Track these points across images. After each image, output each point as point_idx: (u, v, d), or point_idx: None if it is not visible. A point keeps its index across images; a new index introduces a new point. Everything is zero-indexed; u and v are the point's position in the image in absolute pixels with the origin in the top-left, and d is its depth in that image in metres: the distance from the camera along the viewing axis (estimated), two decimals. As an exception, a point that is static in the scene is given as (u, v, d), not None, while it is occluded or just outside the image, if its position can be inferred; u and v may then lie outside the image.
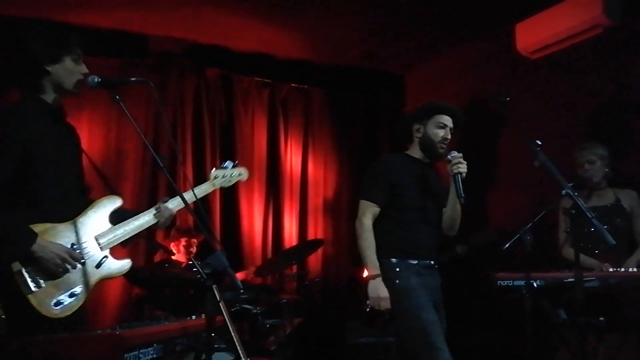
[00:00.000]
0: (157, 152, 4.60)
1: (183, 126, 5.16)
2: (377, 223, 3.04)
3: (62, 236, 2.31)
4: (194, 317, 2.68)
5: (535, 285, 2.94)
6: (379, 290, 2.92)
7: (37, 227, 2.25)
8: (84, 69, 2.47)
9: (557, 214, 3.56)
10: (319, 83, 5.88)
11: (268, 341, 4.09)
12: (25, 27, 3.75)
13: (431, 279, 3.05)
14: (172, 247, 4.50)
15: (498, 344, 4.35)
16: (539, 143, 2.68)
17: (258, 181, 5.44)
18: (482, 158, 4.52)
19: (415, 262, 3.00)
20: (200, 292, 2.12)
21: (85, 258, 2.35)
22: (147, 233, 2.61)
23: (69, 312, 2.24)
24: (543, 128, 4.32)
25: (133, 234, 2.52)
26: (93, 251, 2.39)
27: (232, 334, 2.03)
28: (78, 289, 2.29)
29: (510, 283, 3.03)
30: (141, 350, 2.04)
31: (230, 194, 5.19)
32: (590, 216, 2.53)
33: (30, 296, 2.17)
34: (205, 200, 4.61)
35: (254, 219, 5.37)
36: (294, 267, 5.16)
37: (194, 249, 4.52)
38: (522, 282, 2.92)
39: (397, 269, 2.96)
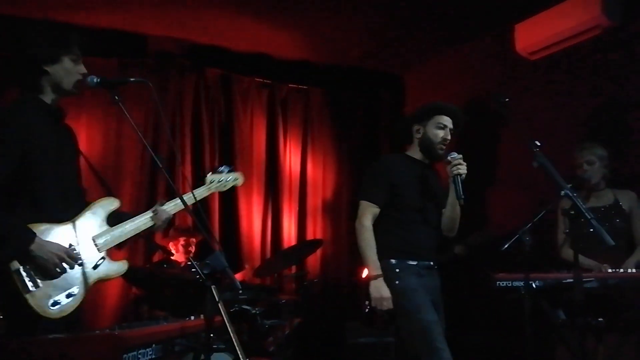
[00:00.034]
0: (156, 153, 4.64)
1: (182, 126, 5.15)
2: (376, 223, 3.04)
3: (59, 236, 2.31)
4: (192, 317, 2.69)
5: (534, 285, 2.95)
6: (381, 290, 2.91)
7: (35, 227, 2.24)
8: (82, 69, 2.46)
9: (556, 215, 3.57)
10: (318, 83, 5.88)
11: (267, 342, 4.08)
12: (25, 27, 3.73)
13: (431, 279, 3.05)
14: (171, 246, 4.50)
15: (498, 344, 4.34)
16: (538, 144, 2.67)
17: (257, 181, 5.44)
18: (482, 158, 4.52)
19: (414, 262, 3.00)
20: (199, 293, 2.12)
21: (83, 259, 2.35)
22: (146, 234, 2.60)
23: (66, 313, 2.24)
24: (543, 128, 4.33)
25: (130, 235, 2.52)
26: (90, 252, 2.38)
27: (231, 334, 2.03)
28: (75, 290, 2.29)
29: (509, 283, 3.04)
30: (140, 351, 2.05)
31: (229, 194, 5.14)
32: (589, 217, 2.53)
33: (27, 296, 2.17)
34: (204, 201, 4.54)
35: (252, 219, 5.37)
36: (293, 268, 5.16)
37: (192, 249, 4.52)
38: (521, 283, 2.93)
39: (397, 270, 2.96)
